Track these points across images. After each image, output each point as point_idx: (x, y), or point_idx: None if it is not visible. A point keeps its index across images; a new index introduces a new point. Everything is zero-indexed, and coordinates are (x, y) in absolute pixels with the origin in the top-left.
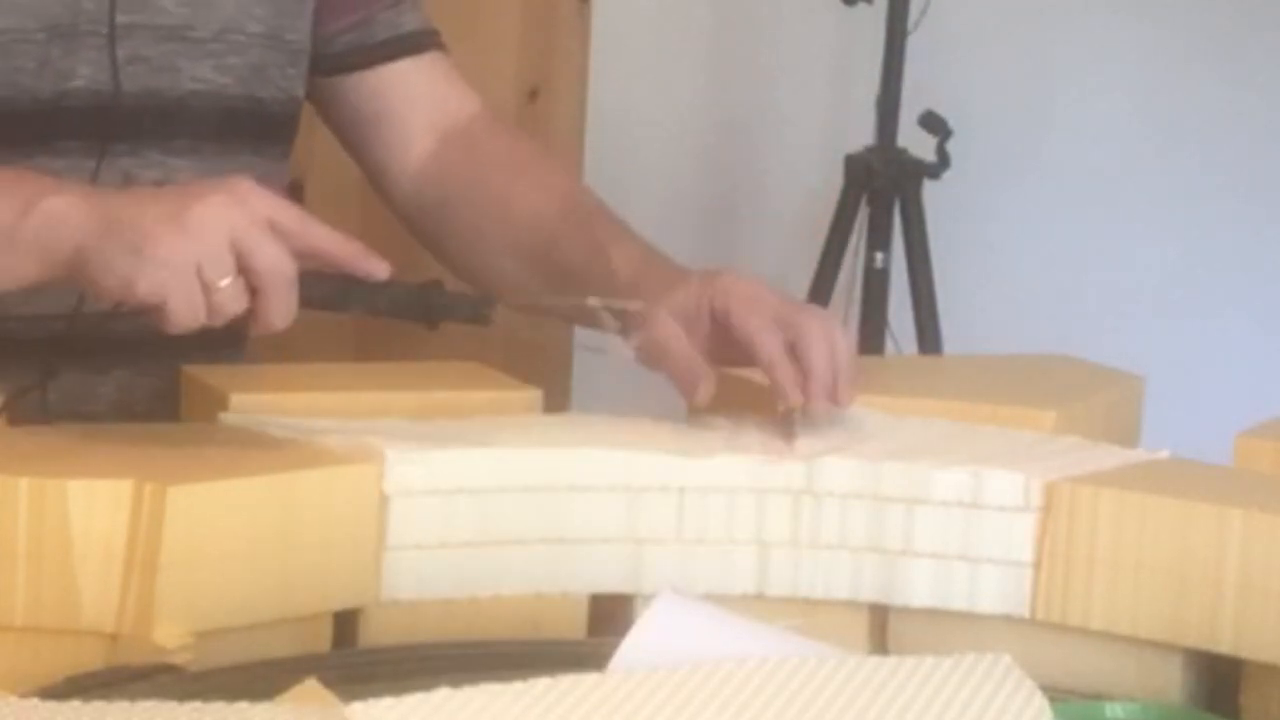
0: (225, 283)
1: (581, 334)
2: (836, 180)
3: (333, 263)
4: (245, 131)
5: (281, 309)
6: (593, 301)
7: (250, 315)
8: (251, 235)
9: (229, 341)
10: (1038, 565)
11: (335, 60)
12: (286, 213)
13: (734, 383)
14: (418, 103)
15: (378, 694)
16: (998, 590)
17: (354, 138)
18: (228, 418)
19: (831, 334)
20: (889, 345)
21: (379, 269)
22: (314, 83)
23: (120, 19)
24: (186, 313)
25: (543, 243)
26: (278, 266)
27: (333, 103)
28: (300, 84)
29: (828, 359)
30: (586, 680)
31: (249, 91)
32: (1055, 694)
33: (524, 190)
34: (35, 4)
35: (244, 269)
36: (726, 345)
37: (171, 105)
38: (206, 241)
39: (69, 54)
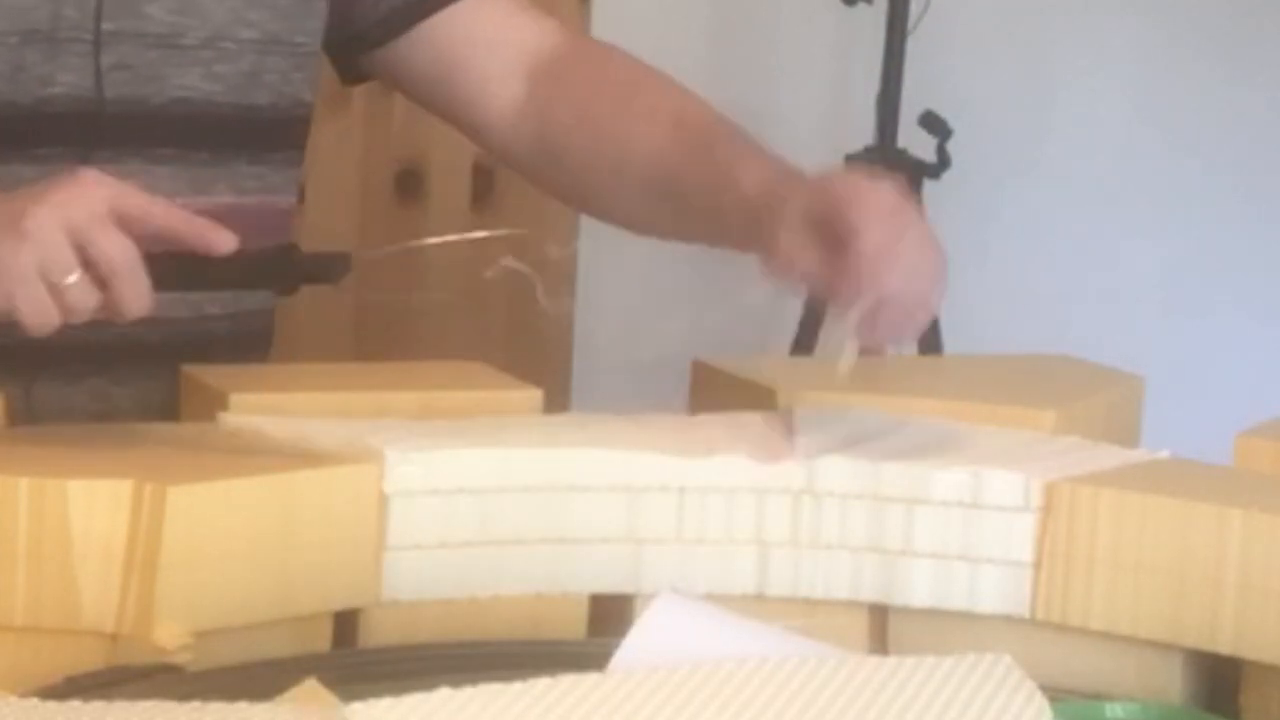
0: (71, 280)
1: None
2: None
3: (180, 241)
4: (238, 139)
5: (133, 295)
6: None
7: (106, 307)
8: (89, 228)
9: (232, 351)
10: (1038, 565)
11: (383, 28)
12: (127, 199)
13: (735, 383)
14: (487, 46)
15: (378, 694)
16: (998, 590)
17: (435, 100)
18: (227, 418)
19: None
20: (889, 345)
21: (225, 242)
22: (375, 59)
23: (106, 26)
24: (37, 316)
25: (663, 177)
26: (118, 255)
27: (401, 71)
28: (308, 87)
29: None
30: (586, 680)
31: (242, 99)
32: (1055, 694)
33: (631, 126)
34: (10, 8)
35: (87, 262)
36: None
37: (155, 113)
38: (44, 243)
39: (48, 60)
